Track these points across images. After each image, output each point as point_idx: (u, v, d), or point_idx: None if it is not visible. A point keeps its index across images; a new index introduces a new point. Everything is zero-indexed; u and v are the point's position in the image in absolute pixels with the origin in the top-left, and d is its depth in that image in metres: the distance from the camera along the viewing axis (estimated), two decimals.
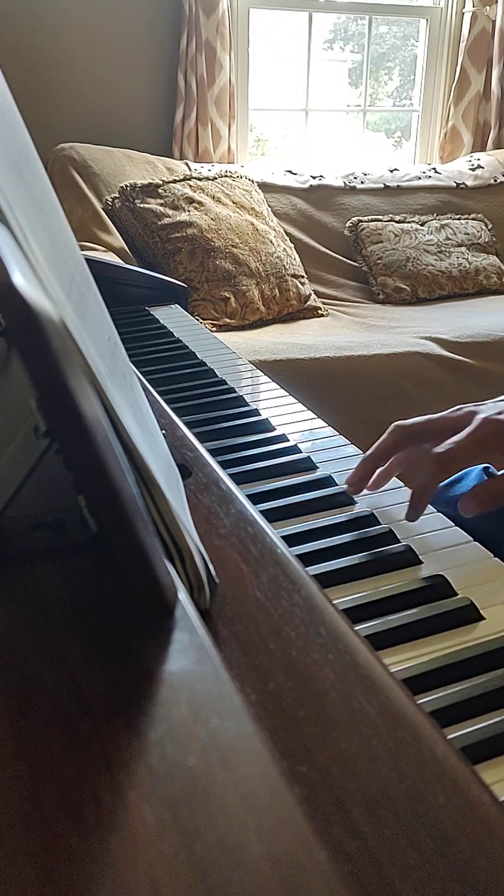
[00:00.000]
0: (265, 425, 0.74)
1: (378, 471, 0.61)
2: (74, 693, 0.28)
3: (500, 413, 0.58)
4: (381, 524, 0.57)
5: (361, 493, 0.61)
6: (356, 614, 0.47)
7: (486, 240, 2.65)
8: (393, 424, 0.61)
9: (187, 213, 2.22)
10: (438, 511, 0.60)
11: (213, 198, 2.30)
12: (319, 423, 0.75)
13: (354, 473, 0.60)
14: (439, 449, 0.55)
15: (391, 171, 2.78)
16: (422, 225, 2.60)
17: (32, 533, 0.37)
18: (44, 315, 0.24)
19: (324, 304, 2.42)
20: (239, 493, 0.51)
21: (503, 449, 0.57)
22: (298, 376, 1.79)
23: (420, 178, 2.78)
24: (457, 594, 0.49)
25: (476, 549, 0.54)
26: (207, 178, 2.35)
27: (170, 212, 2.21)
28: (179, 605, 0.33)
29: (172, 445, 0.58)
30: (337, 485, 0.62)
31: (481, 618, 0.47)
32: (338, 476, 0.64)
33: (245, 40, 2.67)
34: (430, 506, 0.60)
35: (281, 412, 0.78)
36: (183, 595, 0.34)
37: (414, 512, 0.56)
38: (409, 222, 2.60)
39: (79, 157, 2.34)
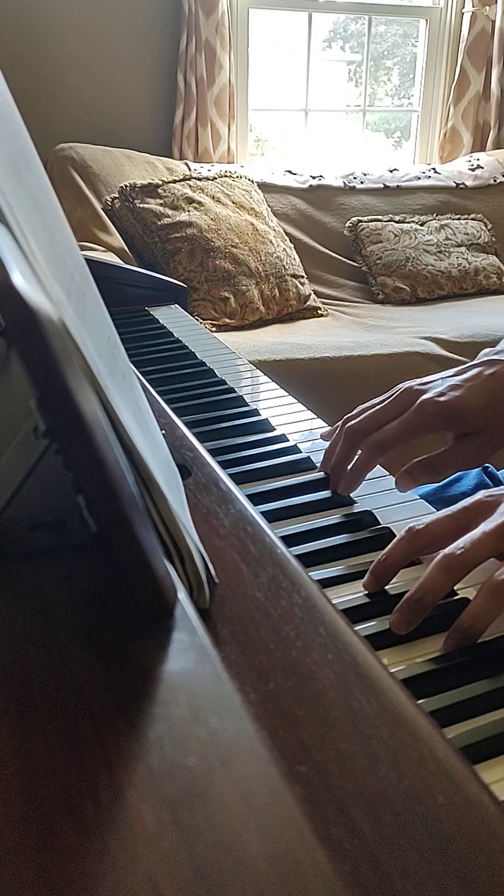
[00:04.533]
0: (265, 425, 0.74)
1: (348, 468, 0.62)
2: (74, 693, 0.28)
3: (440, 395, 0.59)
4: (380, 524, 0.57)
5: (361, 494, 0.61)
6: (355, 614, 0.47)
7: (486, 240, 2.65)
8: (345, 426, 0.62)
9: (187, 213, 2.22)
10: (437, 510, 0.60)
11: (213, 198, 2.30)
12: (319, 423, 0.75)
13: (335, 483, 0.61)
14: (376, 436, 0.59)
15: (391, 172, 2.79)
16: (421, 225, 2.61)
17: (32, 533, 0.37)
18: (44, 315, 0.24)
19: (323, 304, 2.42)
20: (238, 494, 0.51)
21: (436, 429, 0.60)
22: (298, 376, 1.80)
23: (420, 179, 2.79)
24: (456, 594, 0.49)
25: None
26: (207, 179, 2.35)
27: (169, 212, 2.21)
28: (179, 605, 0.33)
29: (172, 445, 0.58)
30: None
31: None
32: None
33: (245, 40, 2.67)
34: (429, 505, 0.61)
35: (281, 412, 0.78)
36: (182, 595, 0.34)
37: (345, 489, 0.59)
38: (408, 222, 2.60)
39: (78, 157, 2.34)
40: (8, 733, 0.27)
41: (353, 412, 0.64)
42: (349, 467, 0.59)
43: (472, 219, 2.71)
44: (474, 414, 0.59)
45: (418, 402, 0.59)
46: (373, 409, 0.62)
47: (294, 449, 0.69)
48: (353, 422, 0.62)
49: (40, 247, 0.31)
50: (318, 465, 0.65)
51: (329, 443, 0.64)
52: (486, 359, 0.63)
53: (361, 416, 0.62)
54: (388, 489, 0.62)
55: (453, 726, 0.39)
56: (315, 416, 0.77)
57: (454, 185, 2.80)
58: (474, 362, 0.63)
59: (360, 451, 0.59)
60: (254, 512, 0.48)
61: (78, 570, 0.36)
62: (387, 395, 0.63)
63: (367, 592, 0.49)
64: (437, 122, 3.02)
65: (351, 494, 0.60)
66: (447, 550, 0.46)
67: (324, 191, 2.67)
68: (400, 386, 0.63)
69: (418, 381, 0.63)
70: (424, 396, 0.60)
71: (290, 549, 0.45)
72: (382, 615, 0.47)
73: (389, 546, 0.49)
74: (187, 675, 0.29)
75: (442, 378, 0.62)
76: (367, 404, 0.64)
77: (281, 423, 0.75)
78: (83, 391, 0.27)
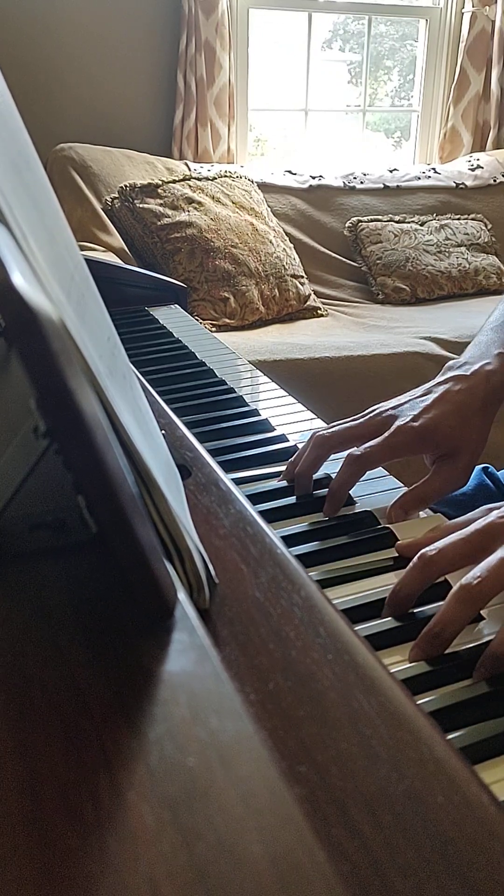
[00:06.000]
0: (265, 425, 0.74)
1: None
2: (74, 693, 0.28)
3: (414, 420, 0.60)
4: (380, 524, 0.57)
5: (361, 494, 0.61)
6: (355, 614, 0.47)
7: (486, 240, 2.65)
8: (314, 435, 0.62)
9: (187, 213, 2.22)
10: (437, 511, 0.60)
11: (213, 198, 2.30)
12: (319, 423, 0.75)
13: (299, 489, 0.61)
14: (357, 451, 0.59)
15: (391, 172, 2.78)
16: (421, 225, 2.60)
17: (32, 533, 0.37)
18: (43, 315, 0.24)
19: (323, 304, 2.42)
20: (238, 494, 0.51)
21: (414, 452, 0.61)
22: (298, 376, 1.79)
23: (419, 179, 2.78)
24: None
25: None
26: (207, 179, 2.35)
27: (169, 212, 2.21)
28: (179, 605, 0.33)
29: (172, 445, 0.58)
30: None
31: (481, 618, 0.47)
32: None
33: (245, 40, 2.67)
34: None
35: (281, 412, 0.78)
36: (182, 595, 0.34)
37: (331, 508, 0.58)
38: (408, 222, 2.60)
39: (78, 157, 2.34)
40: (8, 733, 0.27)
41: (325, 429, 0.64)
42: (333, 485, 0.59)
43: (472, 219, 2.71)
44: (448, 434, 0.60)
45: (395, 426, 0.60)
46: (345, 425, 0.63)
47: (294, 449, 0.69)
48: (323, 431, 0.62)
49: (40, 247, 0.31)
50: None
51: (295, 454, 0.64)
52: (451, 374, 0.64)
53: (333, 428, 0.63)
54: (388, 489, 0.62)
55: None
56: (315, 417, 0.77)
57: (454, 185, 2.80)
58: (441, 379, 0.64)
59: (342, 468, 0.59)
60: (254, 512, 0.48)
61: (78, 570, 0.36)
62: (359, 416, 0.64)
63: (365, 592, 0.49)
64: (437, 122, 3.01)
65: (351, 495, 0.60)
66: (464, 581, 0.44)
67: (324, 191, 2.67)
68: (372, 408, 0.64)
69: (389, 403, 0.63)
70: (399, 422, 0.60)
71: (290, 549, 0.45)
72: (382, 616, 0.47)
73: (403, 576, 0.47)
74: (187, 676, 0.29)
75: (411, 400, 0.63)
76: (339, 423, 0.64)
77: (281, 423, 0.75)
78: (83, 391, 0.27)
